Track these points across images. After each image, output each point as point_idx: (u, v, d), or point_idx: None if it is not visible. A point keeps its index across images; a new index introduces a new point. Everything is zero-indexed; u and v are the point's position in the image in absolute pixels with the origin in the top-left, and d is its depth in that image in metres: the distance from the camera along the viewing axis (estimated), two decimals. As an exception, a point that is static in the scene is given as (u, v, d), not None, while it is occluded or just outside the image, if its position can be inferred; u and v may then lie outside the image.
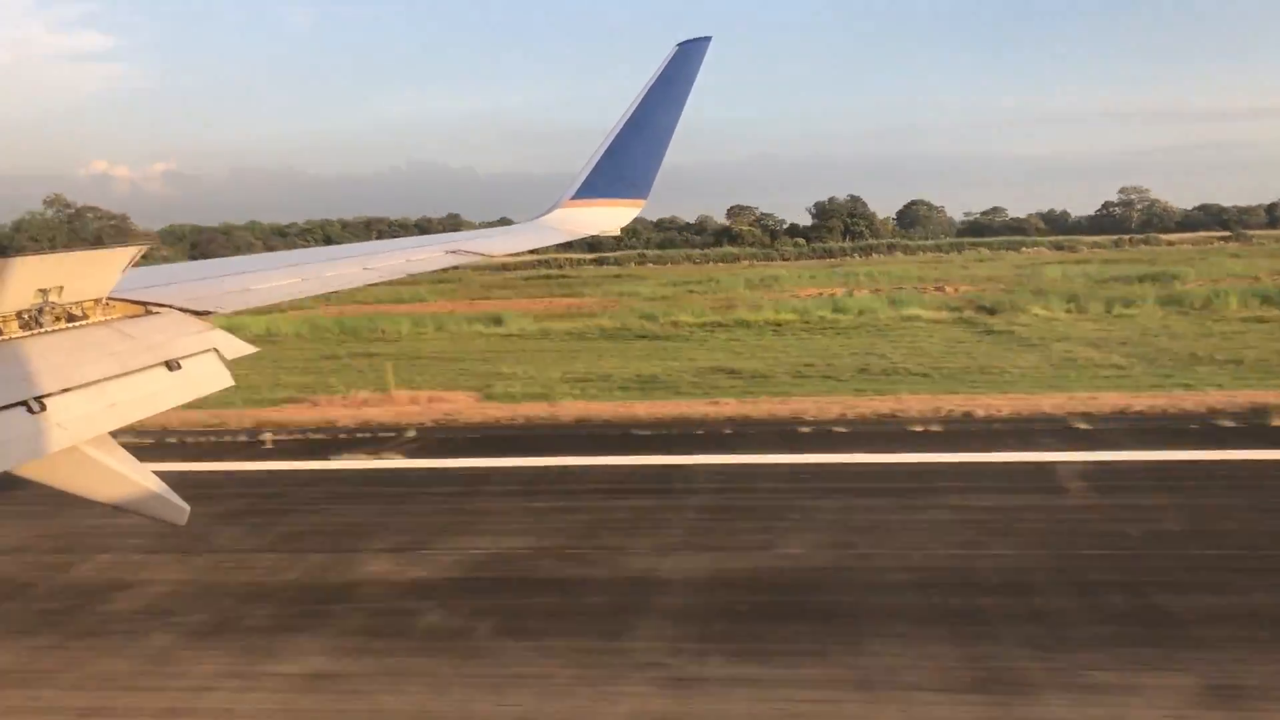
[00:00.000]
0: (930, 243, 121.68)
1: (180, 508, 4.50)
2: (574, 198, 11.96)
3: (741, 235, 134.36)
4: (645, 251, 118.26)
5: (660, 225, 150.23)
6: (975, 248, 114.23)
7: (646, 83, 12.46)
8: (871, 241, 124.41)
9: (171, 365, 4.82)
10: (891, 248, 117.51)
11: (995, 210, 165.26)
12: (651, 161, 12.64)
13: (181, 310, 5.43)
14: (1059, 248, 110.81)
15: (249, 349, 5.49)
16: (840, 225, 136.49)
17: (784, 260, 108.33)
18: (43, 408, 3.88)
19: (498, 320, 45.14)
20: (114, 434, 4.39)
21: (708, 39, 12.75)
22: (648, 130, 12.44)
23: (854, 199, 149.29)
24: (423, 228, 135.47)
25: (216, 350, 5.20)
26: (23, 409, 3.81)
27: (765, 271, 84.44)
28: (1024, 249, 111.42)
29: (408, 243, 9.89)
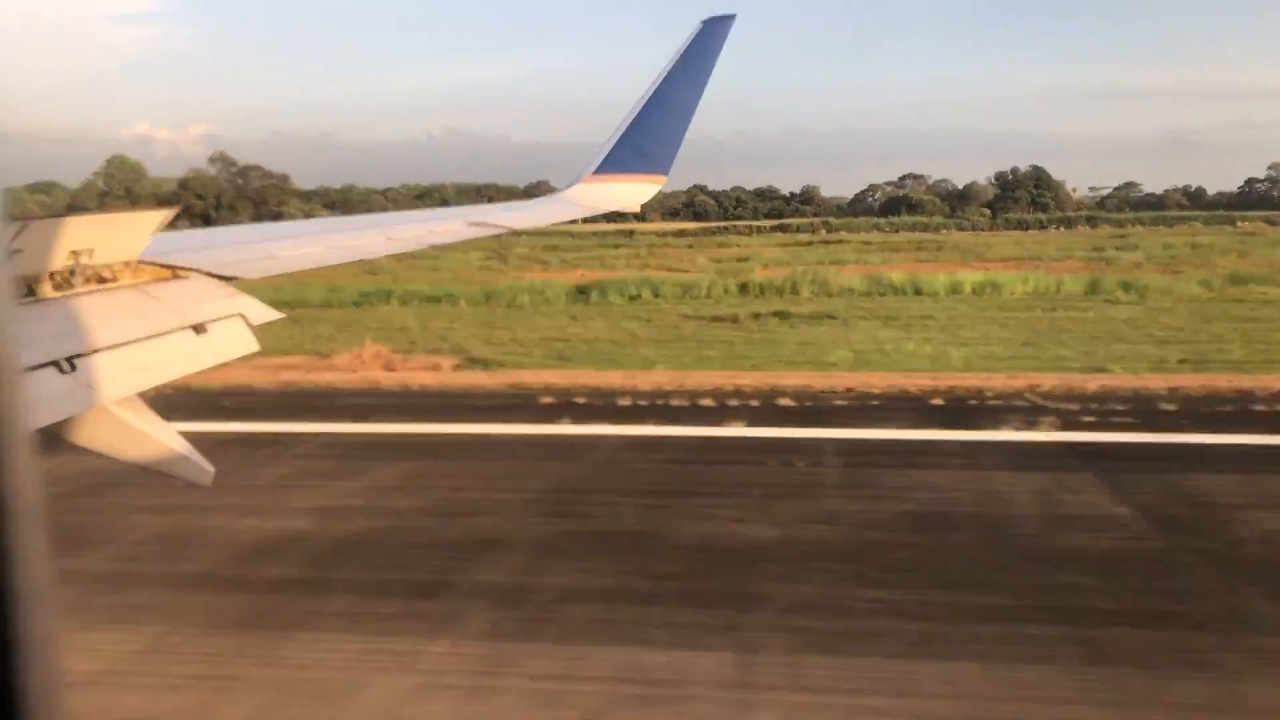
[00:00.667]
0: (1116, 216, 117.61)
1: (205, 469, 4.57)
2: (595, 173, 11.96)
3: (922, 204, 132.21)
4: (830, 220, 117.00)
5: (761, 194, 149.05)
6: (1126, 225, 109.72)
7: (669, 59, 12.43)
8: (1068, 214, 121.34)
9: (198, 329, 4.88)
10: (1092, 220, 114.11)
11: (1129, 185, 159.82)
12: (673, 138, 12.62)
13: (209, 275, 5.50)
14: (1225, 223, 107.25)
15: (274, 314, 5.55)
16: (1027, 196, 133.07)
17: (975, 231, 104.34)
18: (73, 368, 3.95)
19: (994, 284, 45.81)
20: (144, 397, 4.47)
21: (732, 16, 12.71)
22: (670, 107, 12.42)
23: (1036, 169, 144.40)
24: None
25: (242, 315, 5.27)
26: (54, 369, 3.88)
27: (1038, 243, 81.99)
28: (1171, 225, 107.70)
29: (429, 214, 9.93)
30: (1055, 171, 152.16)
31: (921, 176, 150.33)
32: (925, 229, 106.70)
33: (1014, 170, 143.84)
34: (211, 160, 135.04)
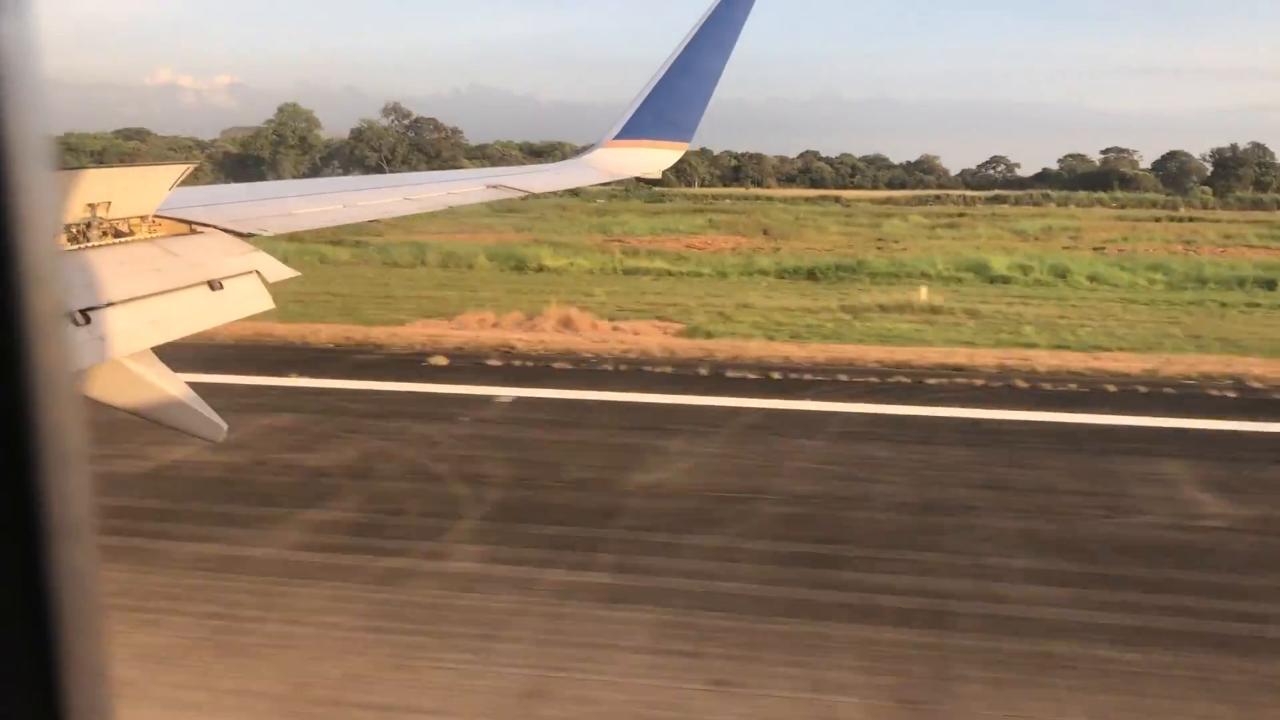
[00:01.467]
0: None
1: (218, 425, 4.59)
2: (617, 137, 11.90)
3: (1137, 180, 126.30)
4: (1049, 192, 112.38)
5: (870, 162, 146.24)
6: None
7: (695, 24, 12.30)
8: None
9: (214, 285, 4.89)
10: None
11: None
12: (697, 104, 12.52)
13: (225, 231, 5.50)
14: None
15: (290, 272, 5.56)
16: (1251, 174, 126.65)
17: (1205, 209, 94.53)
18: (87, 321, 3.96)
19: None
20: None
21: None
22: (695, 73, 12.31)
23: (1258, 147, 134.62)
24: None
25: (258, 272, 5.28)
26: (68, 320, 3.89)
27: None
28: None
29: (448, 175, 9.91)
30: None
31: (1126, 151, 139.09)
32: (1155, 205, 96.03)
33: (1233, 147, 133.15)
34: (385, 111, 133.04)
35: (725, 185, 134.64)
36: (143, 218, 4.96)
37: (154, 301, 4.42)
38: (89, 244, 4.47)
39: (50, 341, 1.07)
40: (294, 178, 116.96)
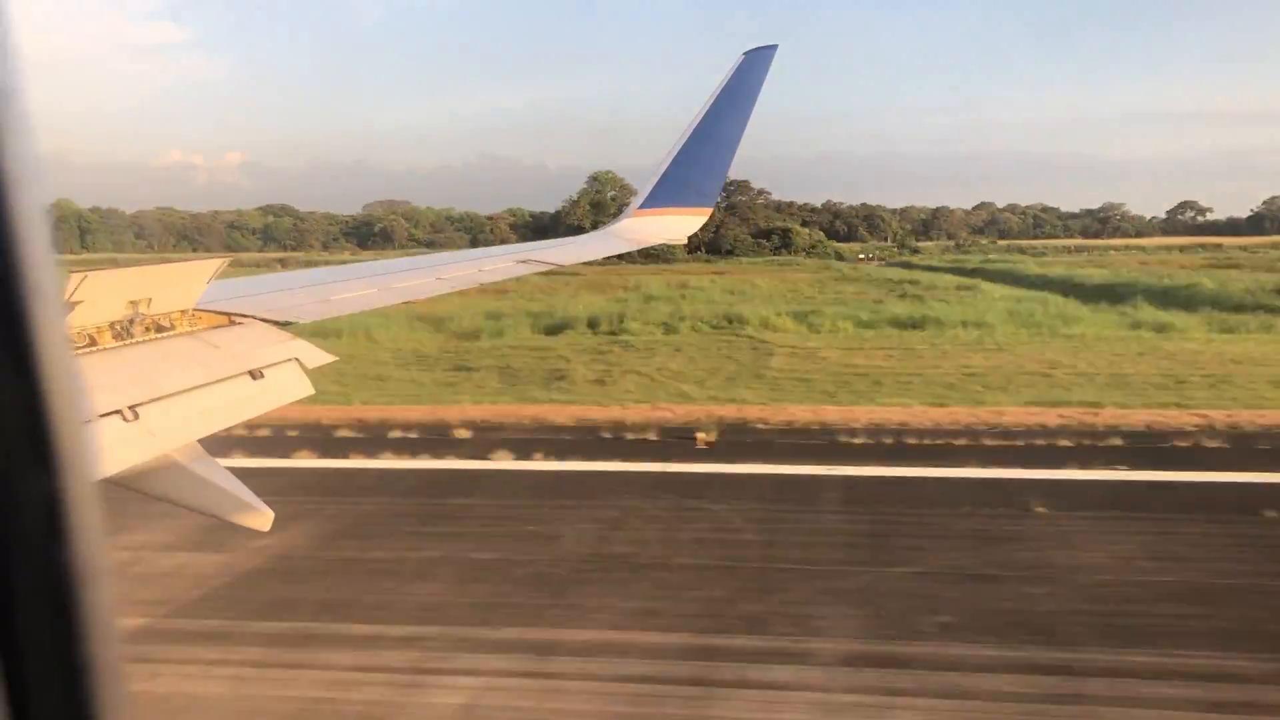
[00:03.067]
0: None
1: (265, 514, 4.56)
2: (642, 207, 12.00)
3: None
4: None
5: (1046, 211, 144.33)
6: None
7: (713, 92, 12.45)
8: None
9: (255, 374, 4.90)
10: None
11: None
12: (718, 170, 12.63)
13: (264, 320, 5.53)
14: None
15: (328, 358, 5.58)
16: None
17: None
18: (136, 416, 3.97)
19: None
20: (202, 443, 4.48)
21: (774, 47, 12.72)
22: (714, 140, 12.43)
23: None
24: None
25: (297, 360, 5.29)
26: (118, 417, 3.90)
27: None
28: None
29: (477, 253, 9.98)
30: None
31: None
32: None
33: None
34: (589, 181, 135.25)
35: (919, 240, 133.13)
36: (183, 311, 5.00)
37: (199, 394, 4.42)
38: (133, 340, 4.50)
39: (68, 437, 1.13)
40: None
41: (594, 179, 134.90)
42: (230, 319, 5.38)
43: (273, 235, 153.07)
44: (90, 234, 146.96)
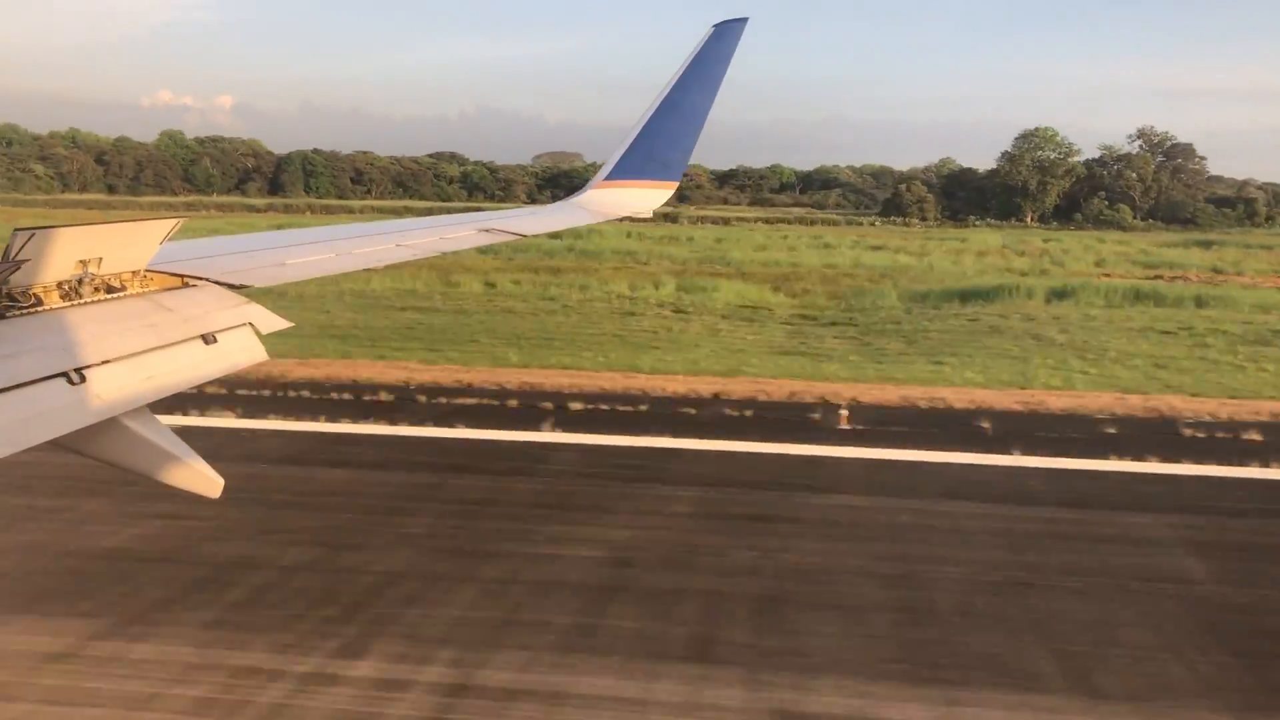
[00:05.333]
0: None
1: (214, 481, 4.51)
2: (607, 179, 11.94)
3: None
4: None
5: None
6: None
7: (681, 65, 12.38)
8: None
9: (208, 339, 4.84)
10: None
11: None
12: (685, 143, 12.58)
13: (218, 283, 5.45)
14: None
15: (283, 323, 5.51)
16: None
17: None
18: (83, 379, 3.90)
19: None
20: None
21: (744, 20, 12.66)
22: (682, 113, 12.38)
23: None
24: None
25: (251, 324, 5.22)
26: (63, 380, 3.83)
27: None
28: None
29: (440, 221, 9.88)
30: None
31: None
32: None
33: None
34: (1132, 137, 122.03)
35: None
36: (135, 272, 4.91)
37: (149, 357, 4.35)
38: (82, 300, 4.42)
39: None
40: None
41: (1029, 135, 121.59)
42: (183, 281, 5.29)
43: (477, 185, 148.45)
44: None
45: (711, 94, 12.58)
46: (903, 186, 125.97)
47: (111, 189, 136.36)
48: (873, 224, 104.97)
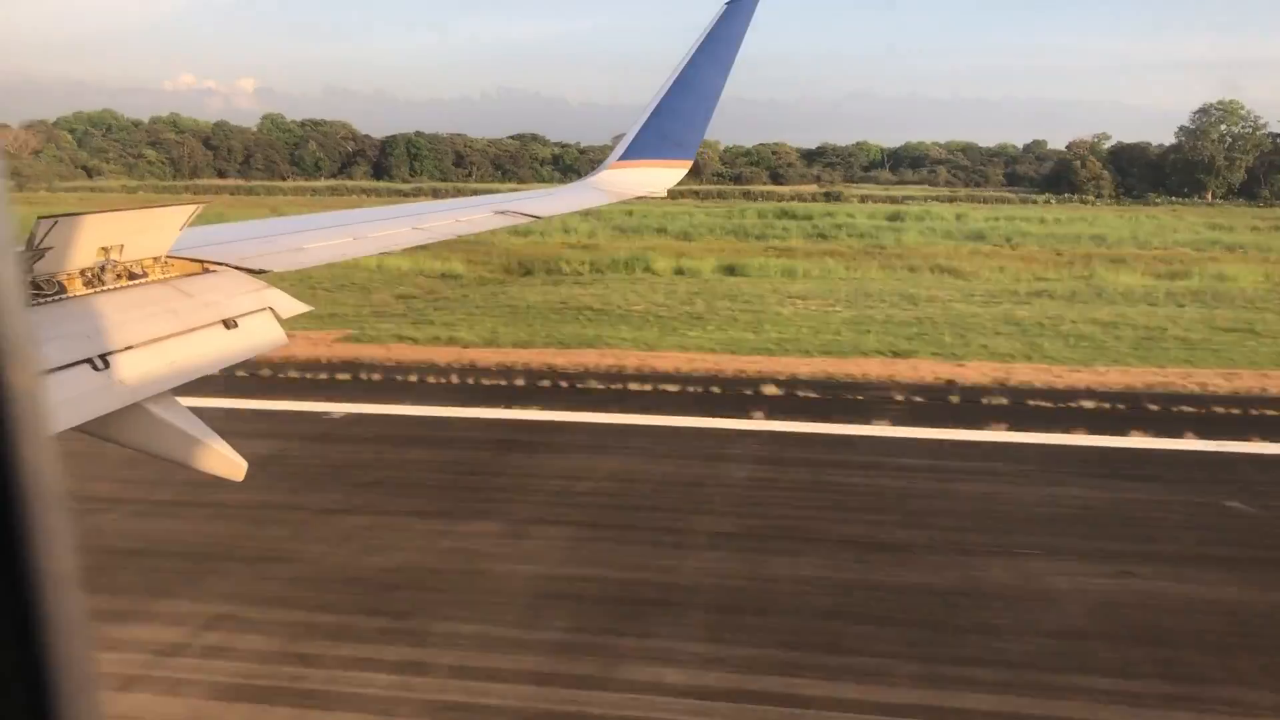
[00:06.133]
0: None
1: (238, 464, 4.55)
2: (621, 159, 11.91)
3: None
4: None
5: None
6: None
7: (693, 43, 12.32)
8: None
9: (229, 324, 4.87)
10: None
11: None
12: (698, 122, 12.53)
13: (238, 269, 5.48)
14: None
15: (303, 307, 5.54)
16: None
17: None
18: (107, 365, 3.94)
19: None
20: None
21: None
22: (695, 91, 12.33)
23: None
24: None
25: (271, 309, 5.26)
26: (88, 366, 3.87)
27: None
28: None
29: (456, 204, 9.90)
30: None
31: None
32: None
33: None
34: None
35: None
36: (155, 259, 4.95)
37: (171, 343, 4.39)
38: (104, 288, 4.46)
39: (23, 386, 1.08)
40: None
41: (1208, 110, 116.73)
42: (204, 266, 5.33)
43: (571, 166, 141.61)
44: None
45: (725, 72, 12.52)
46: (1076, 163, 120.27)
47: (221, 173, 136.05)
48: (1048, 202, 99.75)
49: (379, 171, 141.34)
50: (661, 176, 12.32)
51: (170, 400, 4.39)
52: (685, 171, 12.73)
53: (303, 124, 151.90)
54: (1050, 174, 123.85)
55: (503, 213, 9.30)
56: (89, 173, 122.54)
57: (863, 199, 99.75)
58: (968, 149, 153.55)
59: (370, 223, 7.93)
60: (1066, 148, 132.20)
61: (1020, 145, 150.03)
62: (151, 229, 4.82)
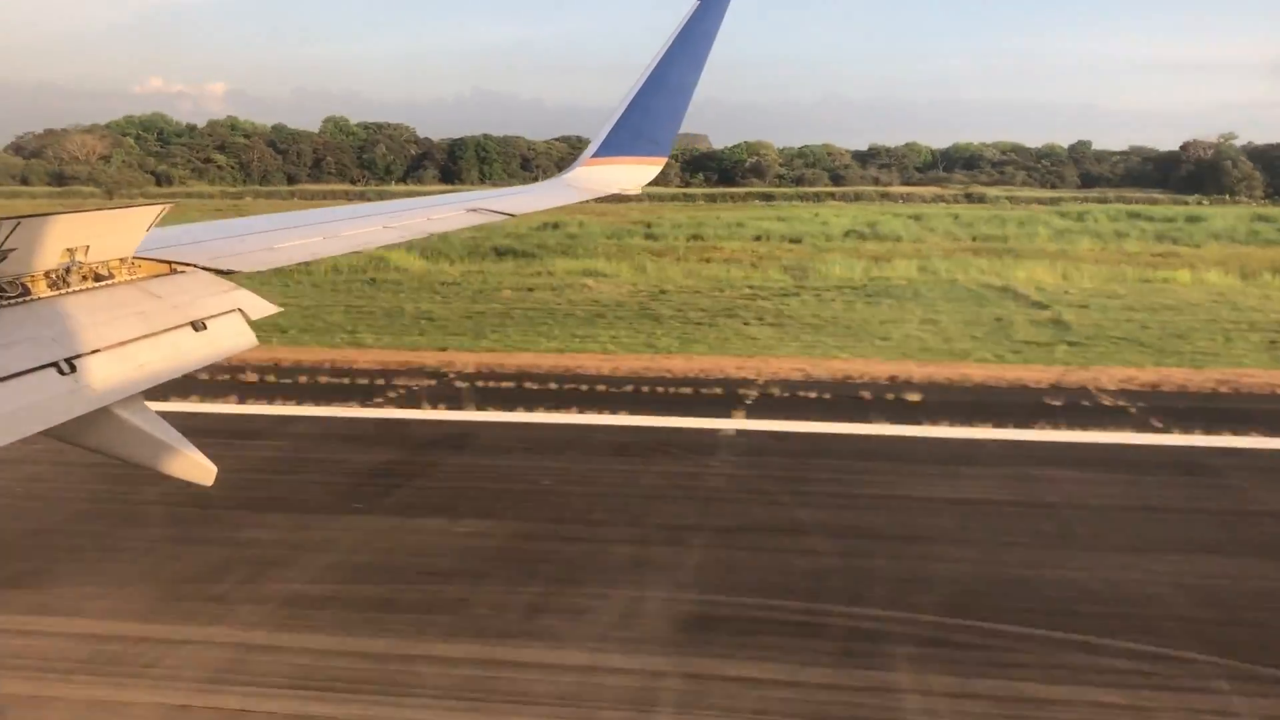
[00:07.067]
0: None
1: (208, 469, 4.49)
2: (594, 156, 11.88)
3: None
4: None
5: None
6: None
7: (666, 40, 12.30)
8: None
9: (197, 325, 4.81)
10: None
11: None
12: (672, 119, 12.51)
13: (206, 270, 5.41)
14: None
15: (272, 308, 5.48)
16: None
17: None
18: (73, 369, 3.87)
19: None
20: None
21: None
22: (668, 88, 12.30)
23: None
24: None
25: (241, 310, 5.20)
26: (54, 370, 3.80)
27: None
28: None
29: (428, 201, 9.83)
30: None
31: None
32: None
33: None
34: None
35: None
36: (122, 260, 4.87)
37: (139, 345, 4.33)
38: (69, 290, 4.38)
39: None
40: None
41: None
42: (171, 267, 5.25)
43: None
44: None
45: (698, 69, 12.50)
46: (1228, 163, 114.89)
47: (290, 178, 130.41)
48: (1200, 203, 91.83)
49: (447, 175, 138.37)
50: (635, 174, 12.30)
51: (139, 404, 4.33)
52: (659, 169, 12.71)
53: (366, 126, 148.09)
54: (1188, 176, 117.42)
55: (475, 210, 9.25)
56: (158, 179, 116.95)
57: (975, 199, 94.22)
58: (1017, 149, 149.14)
59: (342, 221, 7.86)
60: (1181, 148, 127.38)
61: (1065, 146, 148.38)
62: (118, 229, 4.75)
